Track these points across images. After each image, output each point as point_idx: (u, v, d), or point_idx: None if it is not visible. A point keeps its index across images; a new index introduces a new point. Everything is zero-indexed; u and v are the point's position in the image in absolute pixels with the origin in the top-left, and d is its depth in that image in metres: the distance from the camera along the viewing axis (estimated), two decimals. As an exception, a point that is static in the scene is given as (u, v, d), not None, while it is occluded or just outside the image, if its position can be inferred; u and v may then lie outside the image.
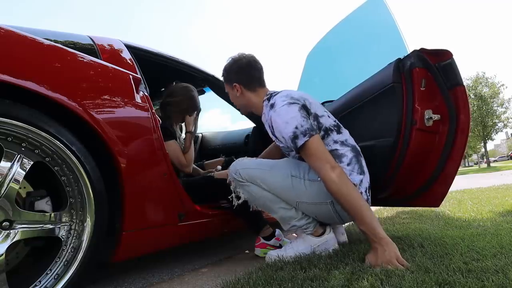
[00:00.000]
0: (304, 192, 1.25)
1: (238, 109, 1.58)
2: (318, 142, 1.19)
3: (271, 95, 1.36)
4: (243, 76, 1.40)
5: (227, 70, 1.43)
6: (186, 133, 1.71)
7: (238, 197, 1.33)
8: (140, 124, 1.18)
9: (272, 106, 1.29)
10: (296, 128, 1.18)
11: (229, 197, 1.37)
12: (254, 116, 2.12)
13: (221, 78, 1.49)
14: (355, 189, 1.14)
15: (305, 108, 1.25)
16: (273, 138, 1.37)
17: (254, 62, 1.42)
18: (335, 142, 1.28)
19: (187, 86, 1.80)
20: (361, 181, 1.25)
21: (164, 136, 1.30)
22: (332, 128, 1.30)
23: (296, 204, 1.28)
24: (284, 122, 1.21)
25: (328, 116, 1.33)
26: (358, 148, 1.33)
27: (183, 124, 1.96)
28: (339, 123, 1.35)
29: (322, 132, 1.27)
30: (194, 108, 1.78)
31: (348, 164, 1.25)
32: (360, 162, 1.28)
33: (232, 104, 2.08)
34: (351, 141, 1.33)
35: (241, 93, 1.41)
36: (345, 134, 1.33)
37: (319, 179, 1.19)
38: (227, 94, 2.03)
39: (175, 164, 1.55)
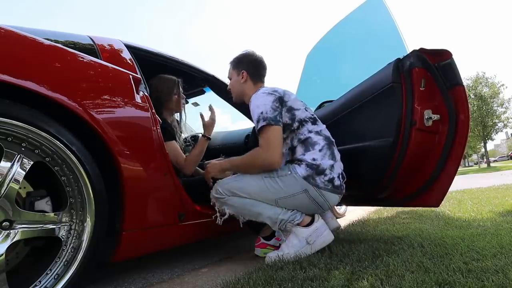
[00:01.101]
0: (279, 188, 1.32)
1: (231, 96, 1.64)
2: (275, 131, 1.31)
3: (262, 88, 1.50)
4: (253, 68, 1.56)
5: (241, 58, 1.58)
6: (202, 136, 1.65)
7: (223, 214, 1.39)
8: (140, 124, 1.18)
9: (257, 91, 1.45)
10: (262, 113, 1.33)
11: (213, 216, 1.41)
12: (247, 108, 2.11)
13: (229, 65, 1.62)
14: (251, 171, 1.37)
15: (280, 100, 1.38)
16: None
17: (264, 62, 1.61)
18: (310, 131, 1.39)
19: (155, 77, 1.72)
20: (332, 166, 1.35)
21: (164, 137, 1.29)
22: (308, 119, 1.41)
23: (276, 202, 1.33)
24: (256, 105, 1.37)
25: (306, 110, 1.45)
26: (332, 140, 1.44)
27: (181, 122, 1.95)
28: (316, 117, 1.47)
29: (296, 123, 1.39)
30: (168, 92, 1.69)
31: (320, 150, 1.36)
32: (332, 150, 1.39)
33: (229, 102, 2.07)
34: (326, 132, 1.44)
35: (245, 81, 1.55)
36: (320, 126, 1.45)
37: (289, 172, 1.32)
38: (227, 94, 2.03)
39: (174, 165, 1.53)
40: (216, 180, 1.44)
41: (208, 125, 1.67)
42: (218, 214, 1.40)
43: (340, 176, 1.37)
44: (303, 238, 1.29)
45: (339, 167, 1.38)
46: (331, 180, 1.32)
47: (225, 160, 1.45)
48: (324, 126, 1.46)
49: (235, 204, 1.35)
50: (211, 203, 1.42)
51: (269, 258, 1.27)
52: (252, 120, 1.44)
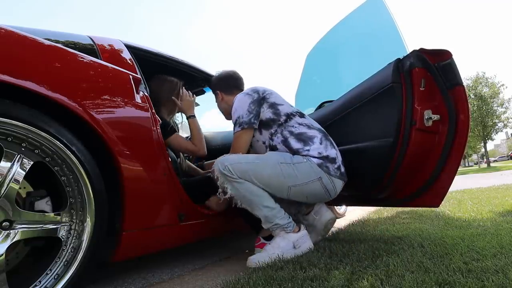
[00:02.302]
0: (295, 175, 1.33)
1: (225, 116, 1.73)
2: (245, 134, 1.43)
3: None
4: (224, 84, 1.68)
5: (212, 83, 1.72)
6: (187, 118, 1.66)
7: (225, 192, 1.33)
8: (140, 124, 1.18)
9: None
10: (238, 118, 1.43)
11: (217, 193, 1.36)
12: None
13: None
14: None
15: (259, 100, 1.45)
16: None
17: (234, 74, 1.70)
18: (300, 124, 1.44)
19: (155, 77, 1.72)
20: (337, 154, 1.41)
21: (165, 133, 1.29)
22: (295, 113, 1.48)
23: (288, 189, 1.33)
24: (235, 108, 1.46)
25: (290, 106, 1.52)
26: (325, 131, 1.50)
27: (180, 121, 1.95)
28: (302, 112, 1.53)
29: (284, 117, 1.45)
30: (169, 90, 1.69)
31: (321, 143, 1.40)
32: (329, 139, 1.45)
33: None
34: (316, 124, 1.50)
35: (222, 99, 1.67)
36: (309, 119, 1.51)
37: (305, 160, 1.35)
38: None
39: (188, 154, 1.53)
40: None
41: (185, 107, 1.68)
42: (220, 191, 1.35)
43: (342, 163, 1.43)
44: (290, 242, 1.31)
45: (340, 155, 1.45)
46: (339, 168, 1.39)
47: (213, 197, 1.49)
48: (311, 119, 1.53)
49: (240, 188, 1.30)
50: (214, 177, 1.36)
51: (251, 261, 1.24)
52: None
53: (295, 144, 1.40)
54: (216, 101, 1.73)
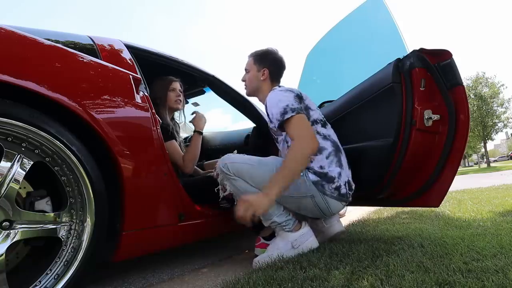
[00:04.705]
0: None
1: (245, 88, 1.61)
2: (304, 119, 1.30)
3: (278, 87, 1.47)
4: (276, 67, 1.54)
5: (264, 55, 1.55)
6: (194, 131, 1.69)
7: (225, 189, 1.36)
8: (140, 124, 1.18)
9: (272, 90, 1.43)
10: (287, 105, 1.30)
11: (216, 188, 1.39)
12: (247, 107, 2.12)
13: (250, 58, 1.58)
14: (300, 169, 1.24)
15: (299, 97, 1.38)
16: (267, 120, 1.48)
17: (285, 63, 1.59)
18: (318, 133, 1.38)
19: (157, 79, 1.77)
20: (340, 174, 1.33)
21: (163, 137, 1.30)
22: (318, 121, 1.42)
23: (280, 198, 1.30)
24: (278, 100, 1.34)
25: (319, 113, 1.45)
26: (340, 146, 1.41)
27: (181, 122, 1.95)
28: (326, 122, 1.47)
29: (310, 123, 1.37)
30: (161, 87, 1.73)
31: (327, 157, 1.34)
32: (339, 157, 1.37)
33: (229, 102, 2.07)
34: (334, 137, 1.42)
35: (265, 79, 1.53)
36: (329, 130, 1.44)
37: (301, 174, 1.28)
38: (227, 93, 2.03)
39: (175, 164, 1.54)
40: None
41: (197, 120, 1.71)
42: (220, 187, 1.38)
43: (347, 184, 1.35)
44: (288, 242, 1.30)
45: (346, 175, 1.36)
46: (337, 188, 1.31)
47: (266, 188, 1.20)
48: (333, 131, 1.45)
49: (238, 187, 1.31)
50: (215, 174, 1.38)
51: (256, 263, 1.25)
52: (269, 118, 1.41)
53: None
54: (248, 70, 1.57)
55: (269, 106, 1.38)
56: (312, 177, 1.31)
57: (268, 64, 1.53)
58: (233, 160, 1.34)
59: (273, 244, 1.33)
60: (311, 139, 1.24)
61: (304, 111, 1.36)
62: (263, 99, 1.52)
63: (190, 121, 1.75)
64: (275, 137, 1.55)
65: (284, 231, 1.32)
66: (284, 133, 1.42)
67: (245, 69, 1.59)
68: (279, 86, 1.49)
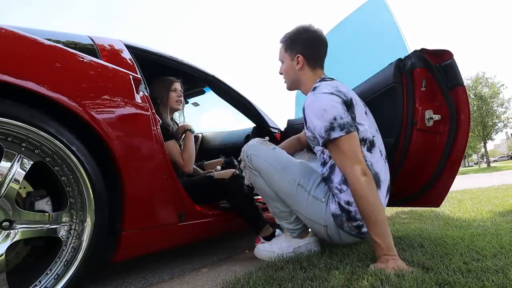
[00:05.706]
0: (304, 205, 1.19)
1: (285, 82, 1.35)
2: (354, 140, 1.06)
3: (323, 79, 1.24)
4: (311, 49, 1.25)
5: (294, 38, 1.27)
6: (185, 131, 1.71)
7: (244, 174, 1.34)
8: (140, 124, 1.18)
9: (314, 89, 1.18)
10: (335, 119, 1.05)
11: (242, 173, 1.36)
12: (255, 114, 2.12)
13: (280, 44, 1.32)
14: (379, 200, 1.03)
15: (347, 104, 1.12)
16: (304, 126, 1.29)
17: (324, 38, 1.27)
18: None
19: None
20: None
21: (163, 137, 1.30)
22: (365, 142, 1.14)
23: (294, 209, 1.26)
24: (322, 109, 1.08)
25: (368, 131, 1.16)
26: (379, 177, 1.15)
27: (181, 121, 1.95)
28: (375, 142, 1.17)
29: None
30: (161, 88, 1.74)
31: None
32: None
33: (229, 102, 2.07)
34: (376, 167, 1.15)
35: (301, 67, 1.26)
36: (375, 154, 1.16)
37: (323, 200, 1.16)
38: (227, 93, 2.02)
39: (175, 164, 1.54)
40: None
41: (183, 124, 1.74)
42: (244, 173, 1.33)
43: None
44: (291, 246, 1.31)
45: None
46: (358, 227, 1.15)
47: (380, 250, 0.99)
48: (379, 156, 1.17)
49: (256, 182, 1.28)
50: (239, 159, 1.34)
51: (258, 252, 1.33)
52: (305, 125, 1.21)
53: (336, 176, 1.16)
54: (282, 61, 1.31)
55: (309, 113, 1.13)
56: (334, 208, 1.15)
57: (302, 48, 1.25)
58: (258, 154, 1.24)
59: (278, 240, 1.34)
60: (361, 173, 1.01)
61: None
62: (306, 92, 1.27)
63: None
64: (312, 146, 1.32)
65: (291, 236, 1.32)
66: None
67: (279, 60, 1.34)
68: (324, 79, 1.23)
